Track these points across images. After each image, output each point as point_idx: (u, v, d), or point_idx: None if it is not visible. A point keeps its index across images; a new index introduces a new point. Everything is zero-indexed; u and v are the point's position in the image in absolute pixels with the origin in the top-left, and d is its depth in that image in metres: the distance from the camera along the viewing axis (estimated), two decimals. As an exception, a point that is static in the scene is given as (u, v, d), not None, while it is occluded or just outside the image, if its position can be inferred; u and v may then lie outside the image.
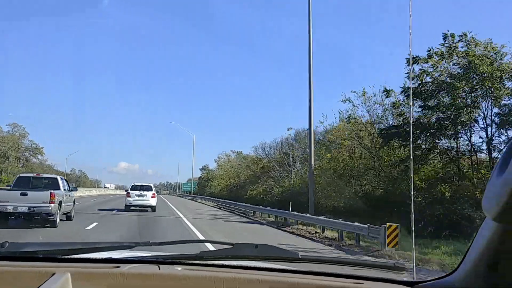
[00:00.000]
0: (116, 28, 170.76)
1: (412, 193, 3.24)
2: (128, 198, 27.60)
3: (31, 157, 78.37)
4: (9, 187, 18.00)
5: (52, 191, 16.14)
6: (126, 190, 30.24)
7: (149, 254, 1.98)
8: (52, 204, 15.81)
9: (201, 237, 14.87)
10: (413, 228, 2.75)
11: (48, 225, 16.16)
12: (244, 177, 60.52)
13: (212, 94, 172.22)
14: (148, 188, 28.15)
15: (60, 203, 16.64)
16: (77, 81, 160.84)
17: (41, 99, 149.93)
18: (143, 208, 27.26)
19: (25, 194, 15.70)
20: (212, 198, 56.57)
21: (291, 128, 56.52)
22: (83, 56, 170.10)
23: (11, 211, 15.52)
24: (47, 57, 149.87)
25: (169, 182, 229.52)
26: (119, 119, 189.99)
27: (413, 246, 2.97)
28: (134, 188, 28.10)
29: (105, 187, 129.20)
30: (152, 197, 27.64)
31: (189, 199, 72.51)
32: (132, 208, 26.99)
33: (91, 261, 1.85)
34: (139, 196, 27.46)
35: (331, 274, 1.85)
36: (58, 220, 16.50)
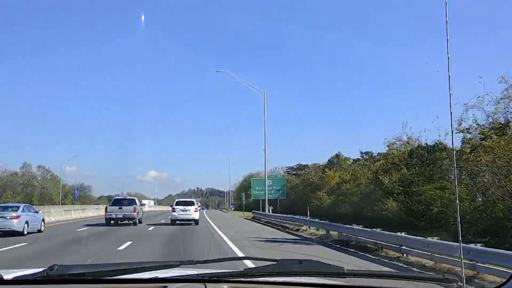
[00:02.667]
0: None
1: (457, 202, 3.14)
2: (174, 213, 30.17)
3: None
4: (110, 204, 32.06)
5: (134, 205, 29.89)
6: (171, 206, 34.45)
7: (195, 273, 1.98)
8: (135, 213, 29.51)
9: None
10: (460, 238, 2.66)
11: (132, 224, 29.28)
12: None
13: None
14: (191, 203, 31.00)
15: (138, 212, 30.21)
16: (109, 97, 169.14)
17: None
18: (187, 222, 29.60)
19: (121, 208, 29.48)
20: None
21: None
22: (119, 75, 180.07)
23: (114, 217, 29.45)
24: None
25: (200, 188, 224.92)
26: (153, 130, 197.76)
27: (462, 257, 2.87)
28: (178, 203, 30.92)
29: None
30: (194, 211, 30.09)
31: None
32: (177, 222, 29.35)
33: (138, 282, 1.87)
34: (183, 211, 29.91)
35: None
36: (137, 222, 29.86)
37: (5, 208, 21.97)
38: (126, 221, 29.42)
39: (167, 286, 1.78)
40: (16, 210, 21.27)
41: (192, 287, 1.79)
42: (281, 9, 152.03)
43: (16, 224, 20.32)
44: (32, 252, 15.33)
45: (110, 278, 1.86)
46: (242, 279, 1.86)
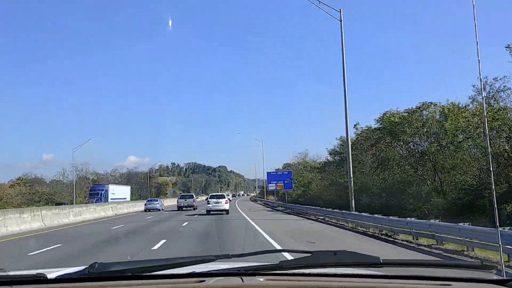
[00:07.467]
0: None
1: (493, 187, 3.07)
2: (208, 205, 36.62)
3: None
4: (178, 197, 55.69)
5: (193, 198, 48.87)
6: (206, 199, 41.89)
7: (231, 266, 2.01)
8: (194, 203, 47.48)
9: None
10: (497, 224, 2.61)
11: (192, 209, 44.89)
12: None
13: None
14: (222, 197, 37.97)
15: (195, 202, 48.23)
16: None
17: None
18: (219, 212, 35.78)
19: (185, 200, 48.14)
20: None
21: None
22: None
23: (182, 205, 46.90)
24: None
25: (177, 164, 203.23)
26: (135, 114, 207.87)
27: (500, 242, 2.82)
28: (212, 197, 38.08)
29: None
30: (225, 203, 36.58)
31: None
32: (211, 212, 35.79)
33: (176, 277, 1.91)
34: (216, 203, 36.37)
35: (415, 276, 1.78)
36: (195, 208, 45.98)
37: (152, 201, 52.82)
38: (189, 208, 45.57)
39: (204, 280, 1.81)
40: (157, 200, 52.91)
41: (229, 281, 1.82)
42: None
43: (158, 206, 49.58)
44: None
45: (149, 274, 1.91)
46: (278, 271, 1.88)
